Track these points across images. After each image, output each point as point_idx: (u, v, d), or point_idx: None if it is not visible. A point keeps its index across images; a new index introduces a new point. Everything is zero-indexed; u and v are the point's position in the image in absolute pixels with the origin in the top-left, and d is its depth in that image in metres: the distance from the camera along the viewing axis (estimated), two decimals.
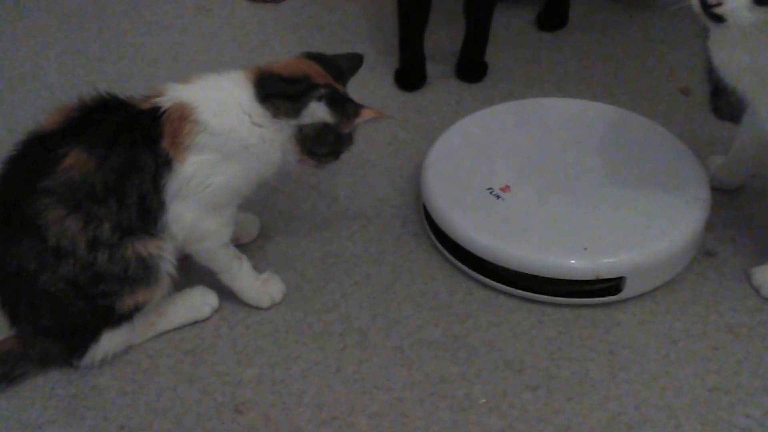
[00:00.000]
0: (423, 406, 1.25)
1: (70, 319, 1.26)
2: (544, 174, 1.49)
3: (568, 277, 1.35)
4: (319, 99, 1.30)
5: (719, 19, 1.16)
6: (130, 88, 1.36)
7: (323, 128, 1.32)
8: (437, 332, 1.35)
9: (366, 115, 1.32)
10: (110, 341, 1.29)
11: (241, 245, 1.50)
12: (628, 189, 1.45)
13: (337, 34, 2.06)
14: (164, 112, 1.25)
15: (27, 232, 1.22)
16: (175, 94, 1.27)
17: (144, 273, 1.26)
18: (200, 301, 1.39)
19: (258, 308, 1.40)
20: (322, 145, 1.33)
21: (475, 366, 1.30)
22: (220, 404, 1.25)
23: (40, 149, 1.24)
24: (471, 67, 1.93)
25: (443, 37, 2.02)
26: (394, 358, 1.32)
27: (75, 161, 1.21)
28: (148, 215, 1.25)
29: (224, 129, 1.26)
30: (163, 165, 1.24)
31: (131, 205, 1.23)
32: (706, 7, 1.15)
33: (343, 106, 1.32)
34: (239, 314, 1.39)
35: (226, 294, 1.41)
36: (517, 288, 1.39)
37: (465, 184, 1.48)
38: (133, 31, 2.13)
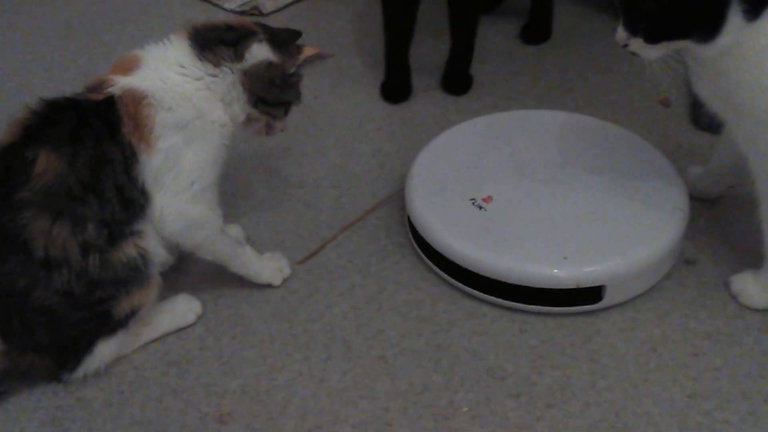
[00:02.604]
0: (407, 415, 1.26)
1: (66, 332, 1.25)
2: (526, 185, 1.51)
3: (549, 286, 1.36)
4: (260, 41, 1.31)
5: (635, 54, 1.28)
6: None
7: (268, 68, 1.31)
8: (421, 342, 1.37)
9: (308, 51, 1.34)
10: (104, 351, 1.29)
11: None
12: (608, 199, 1.47)
13: (323, 46, 2.08)
14: (117, 100, 1.22)
15: (11, 248, 1.19)
16: (122, 82, 1.25)
17: (135, 273, 1.25)
18: (184, 308, 1.40)
19: (270, 286, 1.44)
20: (271, 90, 1.32)
21: (458, 375, 1.31)
22: (204, 415, 1.26)
23: (5, 161, 1.20)
24: (457, 80, 1.95)
25: (428, 50, 2.04)
26: (378, 368, 1.33)
27: (46, 164, 1.18)
28: (131, 206, 1.24)
29: (176, 99, 1.25)
30: (130, 155, 1.22)
31: (112, 199, 1.22)
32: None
33: (285, 45, 1.33)
34: (224, 325, 1.40)
35: (211, 304, 1.43)
36: (499, 297, 1.40)
37: (448, 195, 1.50)
38: (120, 45, 2.15)
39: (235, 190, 1.64)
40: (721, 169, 1.53)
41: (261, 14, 2.26)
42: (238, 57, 1.29)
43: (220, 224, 1.35)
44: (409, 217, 1.51)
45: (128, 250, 1.24)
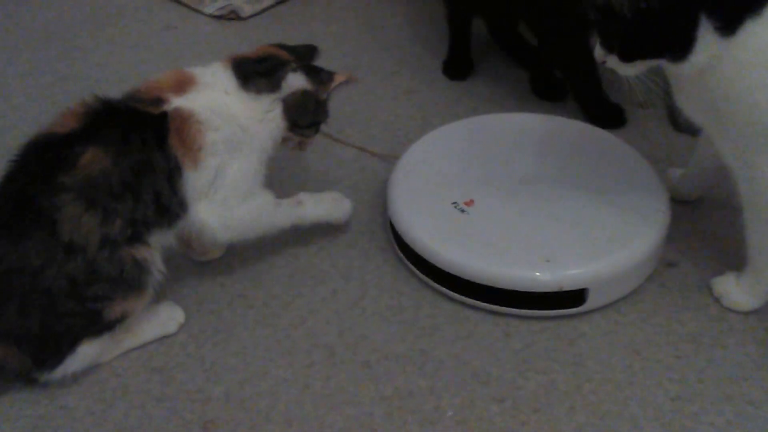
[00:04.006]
0: (391, 420, 1.25)
1: (57, 323, 1.24)
2: (508, 188, 1.51)
3: (532, 290, 1.36)
4: (294, 70, 1.40)
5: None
6: None
7: (303, 96, 1.41)
8: (404, 346, 1.36)
9: (339, 78, 1.44)
10: (87, 352, 1.28)
11: (207, 262, 1.51)
12: (589, 202, 1.47)
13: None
14: (169, 116, 1.30)
15: (40, 226, 1.22)
16: (176, 102, 1.32)
17: (136, 279, 1.27)
18: (167, 317, 1.39)
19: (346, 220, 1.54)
20: (305, 115, 1.43)
21: (442, 379, 1.31)
22: (188, 422, 1.25)
23: (55, 148, 1.25)
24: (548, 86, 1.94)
25: (423, 50, 2.05)
26: (362, 373, 1.32)
27: (92, 158, 1.24)
28: (166, 213, 1.30)
29: (224, 120, 1.34)
30: (174, 167, 1.29)
31: (147, 201, 1.27)
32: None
33: (317, 73, 1.43)
34: (207, 332, 1.39)
35: (194, 311, 1.41)
36: (482, 301, 1.40)
37: (430, 199, 1.50)
38: (98, 49, 2.13)
39: None
40: (701, 171, 1.54)
41: (239, 18, 2.25)
42: (275, 87, 1.39)
43: (273, 201, 1.43)
44: (391, 221, 1.51)
45: (139, 254, 1.27)
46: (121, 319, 1.29)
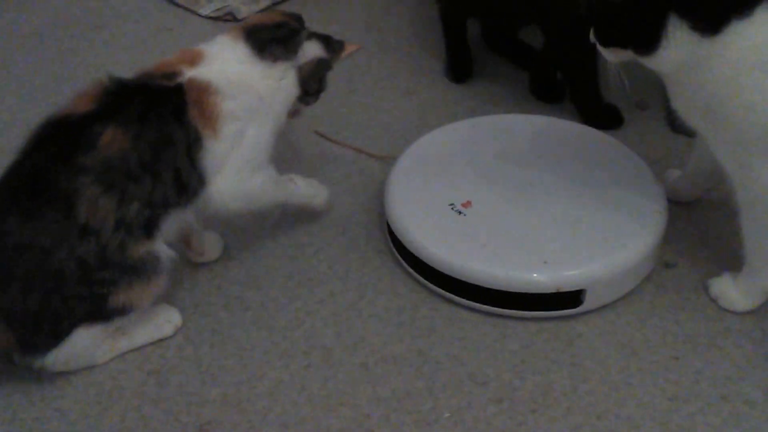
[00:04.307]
0: (389, 421, 1.25)
1: (59, 305, 1.24)
2: (505, 189, 1.51)
3: (529, 291, 1.36)
4: (309, 38, 1.43)
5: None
6: None
7: (319, 63, 1.43)
8: (402, 348, 1.36)
9: (349, 48, 1.49)
10: (82, 339, 1.27)
11: (203, 264, 1.51)
12: (587, 203, 1.47)
13: None
14: (185, 88, 1.30)
15: (56, 207, 1.22)
16: (189, 73, 1.33)
17: (145, 267, 1.27)
18: (163, 319, 1.38)
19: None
20: (316, 83, 1.45)
21: (439, 380, 1.31)
22: (184, 424, 1.25)
23: (74, 129, 1.25)
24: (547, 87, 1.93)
25: (416, 51, 2.04)
26: (359, 375, 1.32)
27: (112, 139, 1.24)
28: (185, 190, 1.30)
29: (240, 88, 1.34)
30: (194, 140, 1.30)
31: (167, 181, 1.28)
32: None
33: (330, 41, 1.46)
34: (204, 334, 1.39)
35: (191, 313, 1.41)
36: (480, 302, 1.40)
37: (427, 201, 1.49)
38: (93, 51, 2.13)
39: None
40: (698, 172, 1.54)
41: (236, 20, 2.24)
42: (291, 54, 1.41)
43: (275, 177, 1.44)
44: (388, 223, 1.51)
45: (151, 240, 1.28)
46: (123, 310, 1.28)
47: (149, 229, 1.27)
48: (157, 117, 1.28)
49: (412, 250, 1.43)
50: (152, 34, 2.20)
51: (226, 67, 1.36)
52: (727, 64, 1.19)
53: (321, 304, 1.44)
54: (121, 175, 1.24)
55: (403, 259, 1.48)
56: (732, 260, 1.40)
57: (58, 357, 1.27)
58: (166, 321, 1.38)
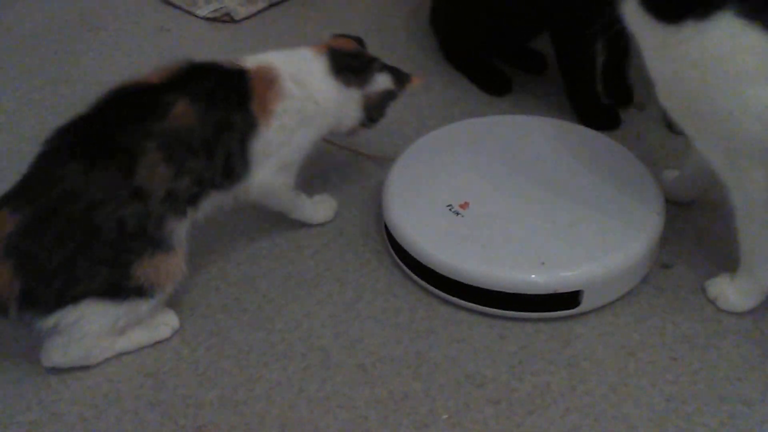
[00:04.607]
0: (386, 423, 1.25)
1: (84, 264, 1.23)
2: (503, 190, 1.51)
3: (526, 292, 1.36)
4: (381, 70, 1.52)
5: None
6: None
7: (387, 95, 1.53)
8: (399, 349, 1.36)
9: (416, 81, 1.57)
10: (88, 311, 1.26)
11: (201, 265, 1.51)
12: (584, 204, 1.47)
13: None
14: (251, 75, 1.38)
15: (117, 163, 1.24)
16: (258, 61, 1.41)
17: (173, 243, 1.30)
18: (160, 321, 1.38)
19: (324, 223, 1.59)
20: (380, 109, 1.54)
21: (437, 382, 1.31)
22: (181, 427, 1.25)
23: (149, 95, 1.30)
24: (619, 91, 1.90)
25: (414, 53, 2.04)
26: (357, 377, 1.32)
27: (181, 112, 1.29)
28: (231, 174, 1.36)
29: (303, 95, 1.41)
30: (250, 126, 1.36)
31: (218, 163, 1.33)
32: None
33: (398, 74, 1.54)
34: (201, 336, 1.38)
35: (188, 315, 1.41)
36: (477, 303, 1.40)
37: (425, 202, 1.49)
38: (90, 52, 2.13)
39: None
40: (696, 173, 1.54)
41: (233, 20, 2.24)
42: (363, 84, 1.50)
43: (293, 185, 1.49)
44: (386, 224, 1.51)
45: (184, 220, 1.32)
46: (139, 290, 1.28)
47: (190, 205, 1.32)
48: (224, 99, 1.34)
49: (409, 251, 1.43)
50: (149, 36, 2.20)
51: (298, 70, 1.43)
52: (686, 58, 1.18)
53: (319, 305, 1.44)
54: (182, 148, 1.28)
55: (401, 260, 1.48)
56: (730, 261, 1.40)
57: (60, 321, 1.25)
58: (163, 323, 1.38)
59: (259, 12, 2.30)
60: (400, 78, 1.54)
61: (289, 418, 1.26)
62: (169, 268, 1.31)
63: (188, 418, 1.26)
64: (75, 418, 1.26)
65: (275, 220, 1.59)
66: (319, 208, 1.59)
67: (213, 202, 1.37)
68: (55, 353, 1.30)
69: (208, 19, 2.26)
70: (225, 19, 2.26)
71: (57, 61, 2.09)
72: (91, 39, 2.18)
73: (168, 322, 1.38)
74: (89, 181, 1.23)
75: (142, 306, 1.31)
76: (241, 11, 2.26)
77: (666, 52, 1.21)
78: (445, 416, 1.26)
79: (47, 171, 1.26)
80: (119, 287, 1.28)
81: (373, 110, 1.52)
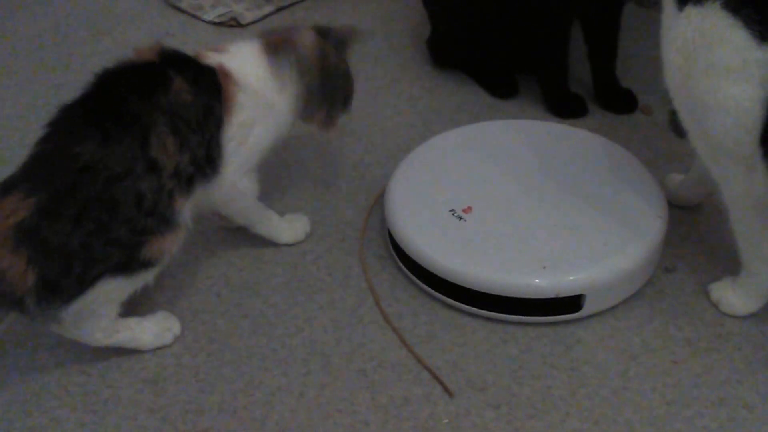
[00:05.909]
0: (387, 428, 1.25)
1: (100, 245, 1.21)
2: (505, 195, 1.50)
3: (529, 296, 1.36)
4: (307, 30, 1.47)
5: None
6: None
7: (322, 52, 1.47)
8: (401, 354, 1.36)
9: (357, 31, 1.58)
10: (105, 290, 1.24)
11: (203, 270, 1.51)
12: (587, 208, 1.46)
13: None
14: (217, 70, 1.36)
15: (133, 134, 1.24)
16: (215, 58, 1.39)
17: (179, 221, 1.30)
18: (163, 327, 1.38)
19: (294, 244, 1.56)
20: (335, 73, 1.51)
21: (438, 386, 1.30)
22: None
23: (151, 69, 1.32)
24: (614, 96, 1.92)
25: (419, 57, 2.04)
26: (358, 382, 1.32)
27: (181, 87, 1.30)
28: (212, 163, 1.35)
29: (255, 89, 1.39)
30: (221, 119, 1.35)
31: (204, 145, 1.32)
32: None
33: (329, 30, 1.52)
34: (201, 342, 1.39)
35: (189, 320, 1.41)
36: (479, 308, 1.40)
37: (428, 207, 1.49)
38: (96, 57, 2.13)
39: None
40: (700, 177, 1.53)
41: (239, 25, 2.25)
42: (290, 49, 1.45)
43: (257, 194, 1.47)
44: (389, 229, 1.50)
45: (187, 199, 1.31)
46: (148, 263, 1.27)
47: (189, 186, 1.31)
48: (206, 85, 1.34)
49: (412, 255, 1.43)
50: (155, 40, 2.20)
51: (248, 63, 1.41)
52: (677, 44, 1.19)
53: (321, 310, 1.44)
54: (184, 123, 1.29)
55: (404, 264, 1.47)
56: (732, 264, 1.39)
57: (83, 306, 1.24)
58: (166, 329, 1.38)
59: (266, 16, 2.30)
60: (333, 31, 1.51)
61: (290, 424, 1.26)
62: (173, 243, 1.30)
63: (188, 423, 1.26)
64: (74, 424, 1.27)
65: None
66: (287, 227, 1.56)
67: (199, 197, 1.34)
68: (69, 324, 1.27)
69: (214, 23, 2.26)
70: (231, 23, 2.26)
71: (63, 66, 2.10)
72: (96, 44, 2.19)
73: (171, 329, 1.38)
74: (107, 154, 1.21)
75: (148, 276, 1.30)
76: (248, 16, 2.27)
77: (667, 35, 1.21)
78: (445, 421, 1.26)
79: (62, 149, 1.22)
80: (130, 262, 1.26)
81: (328, 78, 1.48)
